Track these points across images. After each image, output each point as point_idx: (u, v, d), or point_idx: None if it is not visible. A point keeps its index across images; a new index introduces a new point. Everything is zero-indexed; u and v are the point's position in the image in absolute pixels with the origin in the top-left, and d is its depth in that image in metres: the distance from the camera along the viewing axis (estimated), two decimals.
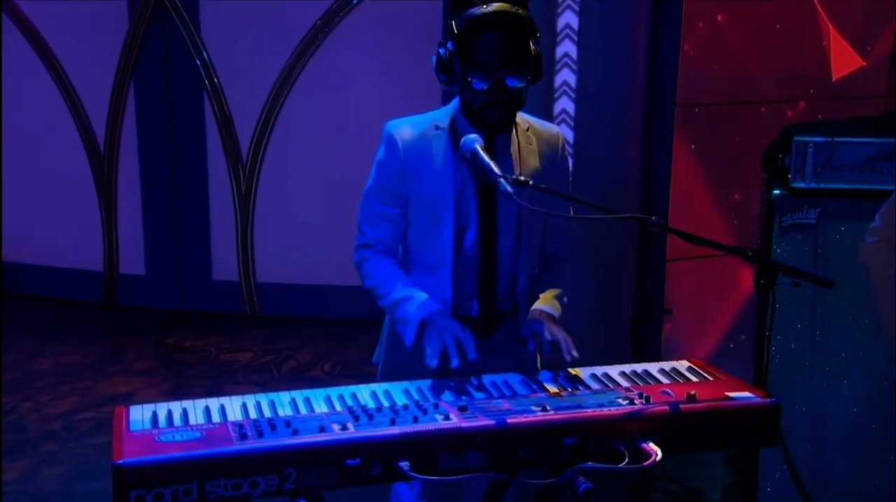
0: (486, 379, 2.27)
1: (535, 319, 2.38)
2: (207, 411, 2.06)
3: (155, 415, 2.04)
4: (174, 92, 5.90)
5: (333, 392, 2.17)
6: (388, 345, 2.58)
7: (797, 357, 3.27)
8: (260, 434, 1.90)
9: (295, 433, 1.91)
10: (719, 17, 4.19)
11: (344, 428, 1.94)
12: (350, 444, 1.90)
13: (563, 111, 3.98)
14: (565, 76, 3.98)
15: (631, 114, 4.10)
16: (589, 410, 2.05)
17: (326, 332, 5.67)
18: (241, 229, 5.93)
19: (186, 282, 6.10)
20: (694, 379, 2.29)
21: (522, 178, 2.16)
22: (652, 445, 2.01)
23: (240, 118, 5.82)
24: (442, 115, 2.45)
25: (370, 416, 1.99)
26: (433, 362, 2.20)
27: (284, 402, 2.12)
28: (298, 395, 2.15)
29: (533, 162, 2.44)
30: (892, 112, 3.71)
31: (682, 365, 2.38)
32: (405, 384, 2.23)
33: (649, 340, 4.26)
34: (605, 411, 2.05)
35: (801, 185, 3.25)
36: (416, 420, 1.98)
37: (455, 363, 2.18)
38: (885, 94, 4.89)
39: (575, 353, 2.26)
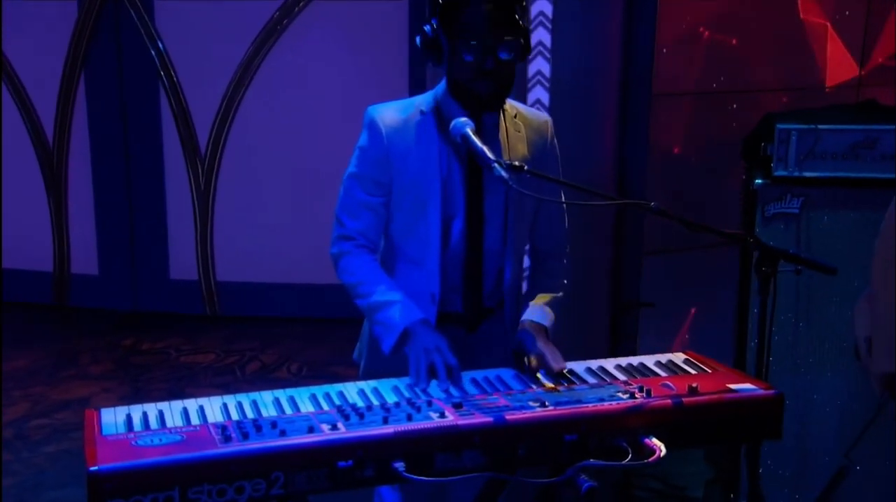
0: (479, 374, 2.21)
1: (524, 330, 2.31)
2: (185, 413, 1.97)
3: (129, 418, 1.94)
4: (128, 84, 5.74)
5: (319, 390, 2.10)
6: (370, 343, 2.50)
7: (780, 348, 3.24)
8: (245, 436, 1.82)
9: (282, 434, 1.83)
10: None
11: (334, 427, 1.86)
12: (342, 445, 1.82)
13: (538, 101, 3.93)
14: (539, 65, 3.93)
15: (606, 103, 4.07)
16: (589, 405, 1.99)
17: (291, 332, 5.56)
18: (199, 226, 5.80)
19: (142, 281, 5.95)
20: (692, 371, 2.25)
21: (517, 164, 2.09)
22: (654, 440, 1.96)
23: (198, 111, 5.67)
24: (426, 99, 2.38)
25: (361, 415, 1.91)
26: (420, 384, 2.13)
27: (267, 402, 2.03)
28: (282, 394, 2.07)
29: (521, 149, 2.38)
30: (872, 100, 3.71)
31: (678, 357, 2.34)
32: (394, 381, 2.16)
33: (626, 334, 4.23)
34: (606, 406, 1.99)
35: (784, 174, 3.23)
36: (409, 418, 1.90)
37: (442, 387, 2.11)
38: (858, 83, 4.94)
39: (563, 364, 2.22)
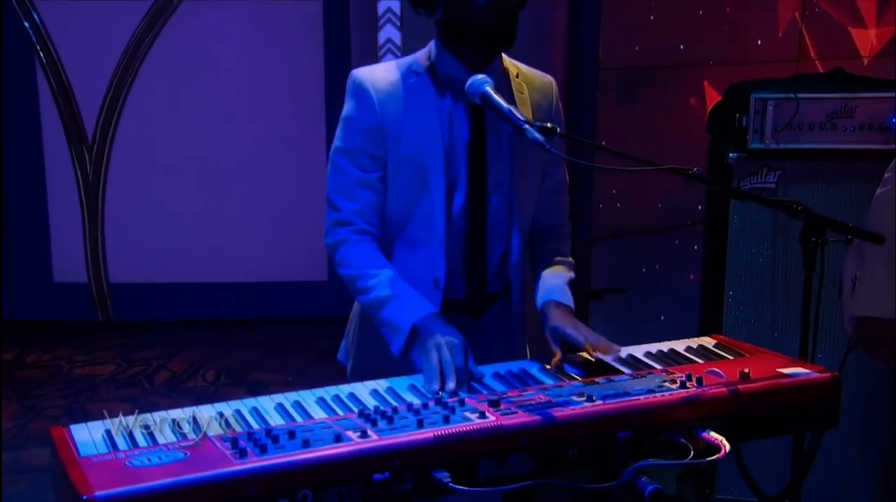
0: (501, 367, 2.05)
1: (558, 326, 2.14)
2: (176, 425, 1.73)
3: (109, 435, 1.69)
4: None
5: (326, 393, 1.89)
6: (358, 341, 2.32)
7: (757, 327, 3.25)
8: (262, 449, 1.59)
9: (306, 445, 1.61)
10: None
11: (364, 435, 1.66)
12: (377, 454, 1.62)
13: None
14: None
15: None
16: (640, 397, 1.84)
17: (200, 336, 5.28)
18: (88, 222, 5.48)
19: (21, 286, 5.57)
20: (729, 356, 2.14)
21: (550, 125, 1.93)
22: (713, 435, 1.83)
23: (83, 92, 5.35)
24: (418, 59, 2.23)
25: (389, 419, 1.71)
26: (433, 386, 1.93)
27: (270, 409, 1.82)
28: (285, 400, 1.86)
29: (525, 112, 2.24)
30: (839, 68, 3.72)
31: (708, 341, 2.23)
32: (409, 379, 1.97)
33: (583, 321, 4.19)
34: (660, 397, 1.85)
35: (760, 146, 3.20)
36: (447, 420, 1.72)
37: (448, 390, 1.93)
38: (797, 58, 5.02)
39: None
